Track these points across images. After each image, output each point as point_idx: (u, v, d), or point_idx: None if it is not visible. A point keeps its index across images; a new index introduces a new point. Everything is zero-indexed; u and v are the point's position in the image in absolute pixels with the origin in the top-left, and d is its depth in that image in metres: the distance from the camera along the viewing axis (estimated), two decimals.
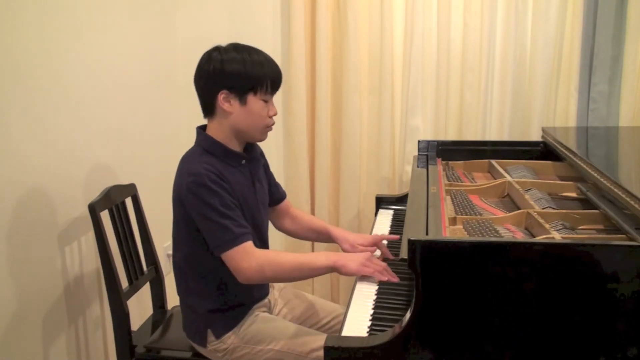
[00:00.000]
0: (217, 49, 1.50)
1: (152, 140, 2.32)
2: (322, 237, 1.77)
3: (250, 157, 1.59)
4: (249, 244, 1.44)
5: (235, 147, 1.54)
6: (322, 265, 1.47)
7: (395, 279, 1.46)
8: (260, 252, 1.46)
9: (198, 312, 1.56)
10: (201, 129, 1.56)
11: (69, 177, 1.78)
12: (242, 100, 1.47)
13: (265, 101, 1.50)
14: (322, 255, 1.51)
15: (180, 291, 1.61)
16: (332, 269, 1.46)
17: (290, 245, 2.65)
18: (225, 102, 1.47)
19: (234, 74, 1.45)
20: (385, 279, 1.46)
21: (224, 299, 1.55)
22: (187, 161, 1.51)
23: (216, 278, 1.53)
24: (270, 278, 1.49)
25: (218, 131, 1.52)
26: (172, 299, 2.03)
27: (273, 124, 1.55)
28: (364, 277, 1.50)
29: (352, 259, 1.47)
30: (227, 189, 1.45)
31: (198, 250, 1.50)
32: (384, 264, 1.50)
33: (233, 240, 1.42)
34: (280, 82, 1.54)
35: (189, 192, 1.42)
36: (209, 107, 1.51)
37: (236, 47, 1.49)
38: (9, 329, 1.56)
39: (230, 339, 1.54)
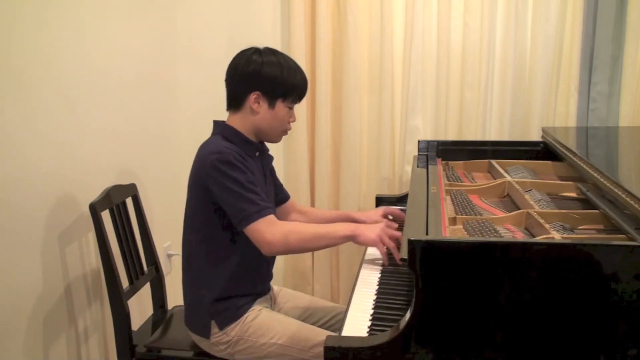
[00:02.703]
0: (257, 51, 1.57)
1: (152, 140, 2.32)
2: (342, 220, 1.81)
3: (263, 150, 1.66)
4: (272, 216, 1.50)
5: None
6: (341, 235, 1.53)
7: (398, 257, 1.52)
8: (283, 223, 1.54)
9: (203, 302, 1.57)
10: (220, 122, 1.62)
11: (69, 177, 1.78)
12: (271, 105, 1.56)
13: (290, 108, 1.60)
14: (340, 226, 1.58)
15: (187, 281, 1.63)
16: (351, 238, 1.53)
17: None
18: (255, 102, 1.55)
19: (271, 79, 1.53)
20: (387, 263, 1.55)
21: (231, 288, 1.57)
22: (207, 145, 1.56)
23: (225, 267, 1.56)
24: (294, 247, 1.52)
25: (239, 124, 1.59)
26: (173, 299, 2.04)
27: (290, 129, 1.65)
28: (368, 264, 1.60)
29: (369, 229, 1.54)
30: (250, 169, 1.52)
31: (212, 237, 1.55)
32: (398, 235, 1.55)
33: (259, 212, 1.47)
34: (305, 94, 1.63)
35: (213, 169, 1.47)
36: (236, 103, 1.58)
37: (275, 53, 1.58)
38: (10, 329, 1.56)
39: (234, 330, 1.55)
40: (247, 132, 1.59)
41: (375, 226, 1.56)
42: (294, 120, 1.63)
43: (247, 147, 1.59)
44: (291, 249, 1.53)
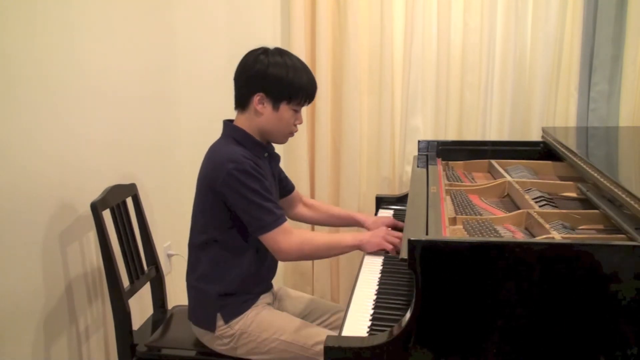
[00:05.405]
0: (265, 51, 1.56)
1: (152, 140, 2.33)
2: (346, 222, 1.92)
3: (271, 151, 1.67)
4: (287, 224, 1.54)
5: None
6: (350, 244, 1.61)
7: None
8: (298, 232, 1.57)
9: (210, 295, 1.59)
10: (229, 122, 1.62)
11: (70, 176, 1.79)
12: (275, 107, 1.56)
13: (296, 110, 1.59)
14: (348, 235, 1.64)
15: (193, 277, 1.64)
16: (358, 247, 1.61)
17: None
18: (259, 103, 1.55)
19: (276, 80, 1.53)
20: (395, 252, 1.57)
21: (238, 284, 1.59)
22: (220, 150, 1.56)
23: (236, 263, 1.58)
24: (307, 256, 1.66)
25: (246, 125, 1.59)
26: (173, 299, 2.04)
27: (296, 131, 1.64)
28: (368, 264, 1.60)
29: (373, 236, 1.62)
30: (264, 175, 1.54)
31: (224, 236, 1.57)
32: (401, 235, 1.57)
33: (275, 221, 1.51)
34: (314, 96, 1.62)
35: (230, 178, 1.48)
36: (242, 103, 1.59)
37: (282, 53, 1.57)
38: (11, 328, 1.56)
39: (238, 324, 1.57)
40: (254, 133, 1.59)
41: (377, 231, 1.64)
42: (300, 123, 1.62)
43: (257, 149, 1.60)
44: (305, 258, 1.66)
